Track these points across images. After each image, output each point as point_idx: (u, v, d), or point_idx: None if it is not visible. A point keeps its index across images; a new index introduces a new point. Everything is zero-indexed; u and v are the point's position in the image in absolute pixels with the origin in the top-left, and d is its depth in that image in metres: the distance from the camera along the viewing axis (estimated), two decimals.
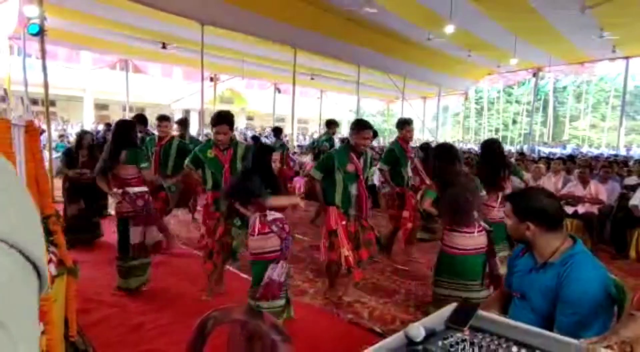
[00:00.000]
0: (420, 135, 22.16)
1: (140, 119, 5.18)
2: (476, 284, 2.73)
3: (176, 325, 2.66)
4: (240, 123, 24.16)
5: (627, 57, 11.82)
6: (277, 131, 8.13)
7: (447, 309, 1.35)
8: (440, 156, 2.92)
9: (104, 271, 3.67)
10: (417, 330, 1.12)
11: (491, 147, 4.00)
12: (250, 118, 25.98)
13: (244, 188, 2.62)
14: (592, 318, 1.33)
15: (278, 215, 2.65)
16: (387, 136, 26.19)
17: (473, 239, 2.72)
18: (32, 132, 1.75)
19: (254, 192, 2.57)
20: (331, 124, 6.67)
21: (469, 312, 1.31)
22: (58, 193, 5.28)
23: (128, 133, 3.25)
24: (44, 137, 7.38)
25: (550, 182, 5.85)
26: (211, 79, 14.04)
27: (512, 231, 1.53)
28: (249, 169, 2.70)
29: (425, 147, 5.59)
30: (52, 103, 17.93)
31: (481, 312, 1.32)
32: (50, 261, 1.72)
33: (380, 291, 3.48)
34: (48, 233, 1.88)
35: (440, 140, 19.43)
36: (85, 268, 3.65)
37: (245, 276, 3.73)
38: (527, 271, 1.53)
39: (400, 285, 3.64)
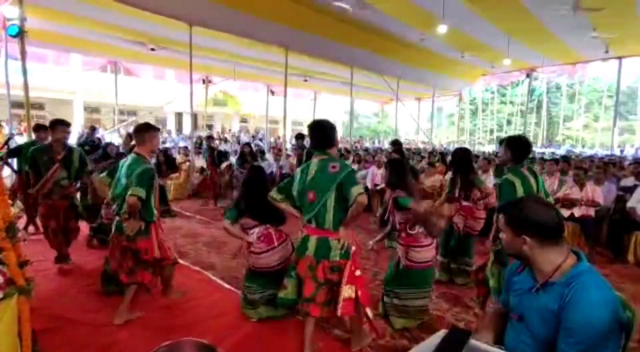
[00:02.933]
0: (414, 137, 22.13)
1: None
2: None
3: (149, 344, 2.47)
4: (234, 126, 23.99)
5: (620, 57, 11.80)
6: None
7: (435, 338, 1.19)
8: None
9: (77, 286, 3.47)
10: None
11: (464, 157, 3.94)
12: (244, 120, 25.76)
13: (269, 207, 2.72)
14: (598, 348, 1.18)
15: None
16: (383, 138, 26.16)
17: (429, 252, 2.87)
18: None
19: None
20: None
21: (459, 341, 1.15)
22: None
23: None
24: (23, 140, 7.15)
25: (546, 185, 5.72)
26: (203, 81, 13.85)
27: (507, 245, 1.38)
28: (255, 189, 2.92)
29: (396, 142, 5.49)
30: (41, 106, 17.62)
31: (473, 342, 1.16)
32: None
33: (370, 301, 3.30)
34: None
35: (435, 141, 19.38)
36: (56, 283, 3.48)
37: (228, 286, 3.56)
38: (526, 290, 1.37)
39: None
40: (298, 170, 2.49)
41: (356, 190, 2.21)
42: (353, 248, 2.36)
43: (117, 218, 2.85)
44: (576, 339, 1.18)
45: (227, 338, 2.57)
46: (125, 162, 2.88)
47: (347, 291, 2.28)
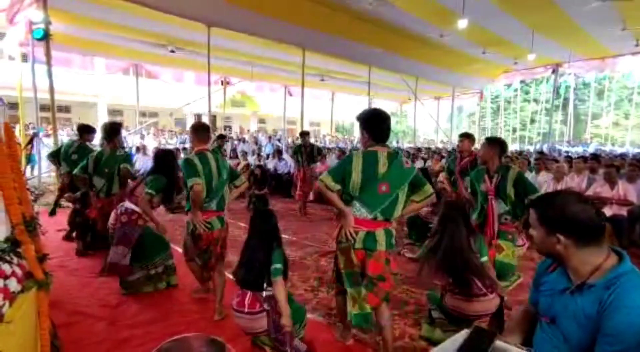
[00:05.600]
0: (434, 136, 21.73)
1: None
2: None
3: (167, 338, 2.47)
4: (252, 126, 24.21)
5: None
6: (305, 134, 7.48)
7: (458, 338, 1.11)
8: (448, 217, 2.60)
9: (101, 278, 3.54)
10: None
11: None
12: (262, 121, 25.97)
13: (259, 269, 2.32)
14: None
15: (270, 290, 2.32)
16: (401, 138, 25.80)
17: (480, 304, 2.42)
18: None
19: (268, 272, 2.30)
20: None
21: (484, 342, 1.06)
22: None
23: (166, 162, 3.34)
24: (50, 142, 7.39)
25: (574, 183, 5.49)
26: (222, 83, 14.01)
27: (539, 244, 1.25)
28: (259, 238, 2.38)
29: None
30: (67, 109, 18.27)
31: (499, 343, 1.07)
32: (11, 274, 1.55)
33: (390, 301, 3.21)
34: (15, 244, 1.73)
35: (454, 140, 18.97)
36: (77, 279, 3.55)
37: None
38: (559, 291, 1.25)
39: (411, 295, 3.37)
40: (356, 160, 2.23)
41: (429, 188, 2.34)
42: None
43: (215, 216, 2.85)
44: (618, 347, 1.06)
45: (241, 336, 2.54)
46: (209, 160, 2.84)
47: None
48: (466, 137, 4.53)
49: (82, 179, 3.99)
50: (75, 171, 4.02)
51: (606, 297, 1.11)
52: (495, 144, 3.31)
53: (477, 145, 7.01)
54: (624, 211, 4.76)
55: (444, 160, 8.07)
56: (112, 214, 3.32)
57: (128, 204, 3.26)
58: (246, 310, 2.28)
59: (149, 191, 3.09)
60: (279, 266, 2.29)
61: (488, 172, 3.32)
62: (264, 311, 2.27)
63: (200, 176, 2.74)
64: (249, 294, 2.31)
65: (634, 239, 4.81)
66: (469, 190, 3.86)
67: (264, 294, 2.29)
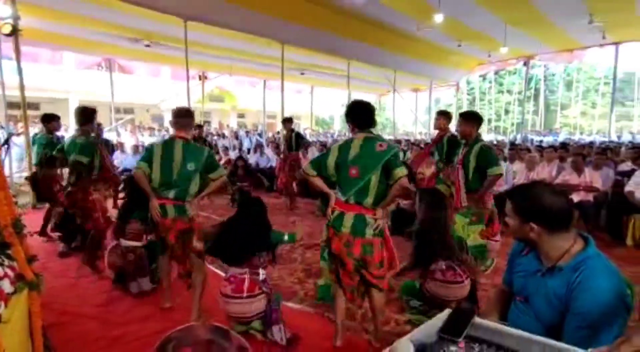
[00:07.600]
0: (412, 128, 22.11)
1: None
2: None
3: (161, 335, 2.49)
4: (231, 121, 23.92)
5: (616, 43, 11.74)
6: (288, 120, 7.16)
7: (440, 317, 1.21)
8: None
9: (88, 279, 3.51)
10: (406, 347, 0.99)
11: None
12: (241, 116, 25.68)
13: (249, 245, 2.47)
14: (605, 330, 1.19)
15: (264, 272, 2.52)
16: (380, 130, 26.10)
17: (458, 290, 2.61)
18: None
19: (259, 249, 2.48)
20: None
21: (464, 320, 1.17)
22: None
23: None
24: (21, 141, 7.15)
25: (545, 171, 5.77)
26: (200, 78, 13.77)
27: (514, 232, 1.39)
28: (243, 220, 2.54)
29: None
30: (36, 106, 17.49)
31: (478, 320, 1.18)
32: (4, 276, 1.56)
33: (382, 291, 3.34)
34: (4, 246, 1.72)
35: (433, 132, 19.40)
36: (64, 279, 3.51)
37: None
38: (532, 272, 1.38)
39: (396, 282, 3.50)
40: (335, 146, 2.40)
41: (399, 171, 2.22)
42: (386, 228, 2.37)
43: (172, 203, 2.67)
44: (584, 324, 1.19)
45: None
46: (172, 148, 2.71)
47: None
48: (441, 114, 4.61)
49: (60, 159, 3.97)
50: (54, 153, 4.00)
51: (574, 279, 1.23)
52: (472, 118, 3.59)
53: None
54: (590, 197, 5.06)
55: None
56: (112, 255, 3.22)
57: (126, 242, 3.21)
58: (245, 294, 2.37)
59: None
60: (285, 237, 2.59)
61: (465, 145, 3.57)
62: (263, 293, 2.42)
63: (149, 162, 2.69)
64: (247, 278, 2.42)
65: (600, 224, 5.13)
66: (443, 160, 4.24)
67: (261, 277, 2.46)
